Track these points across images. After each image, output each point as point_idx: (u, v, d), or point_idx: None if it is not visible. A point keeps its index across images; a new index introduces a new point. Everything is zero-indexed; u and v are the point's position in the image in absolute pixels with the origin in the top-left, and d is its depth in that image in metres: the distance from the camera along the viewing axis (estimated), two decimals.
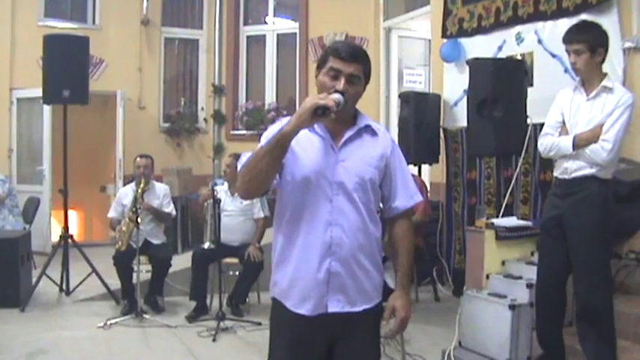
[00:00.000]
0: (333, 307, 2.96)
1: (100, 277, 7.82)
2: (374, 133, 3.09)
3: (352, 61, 2.94)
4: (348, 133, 3.00)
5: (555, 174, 4.92)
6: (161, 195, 7.88)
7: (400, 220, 3.17)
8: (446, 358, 5.64)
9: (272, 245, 3.12)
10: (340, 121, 2.97)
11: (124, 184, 9.32)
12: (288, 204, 2.99)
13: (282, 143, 2.77)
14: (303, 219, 2.96)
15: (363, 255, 3.00)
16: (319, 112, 2.73)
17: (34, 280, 7.88)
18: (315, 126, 2.93)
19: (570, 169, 4.76)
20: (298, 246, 2.97)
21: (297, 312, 2.98)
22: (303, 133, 2.85)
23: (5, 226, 9.05)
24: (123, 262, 7.34)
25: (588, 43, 4.67)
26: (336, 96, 2.83)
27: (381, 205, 3.17)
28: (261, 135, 3.06)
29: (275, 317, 3.13)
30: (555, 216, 4.86)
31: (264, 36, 12.16)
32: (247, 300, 7.61)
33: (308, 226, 2.95)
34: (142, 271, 7.34)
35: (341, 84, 2.91)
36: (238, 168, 2.98)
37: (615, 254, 5.84)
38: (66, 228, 8.08)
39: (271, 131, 2.95)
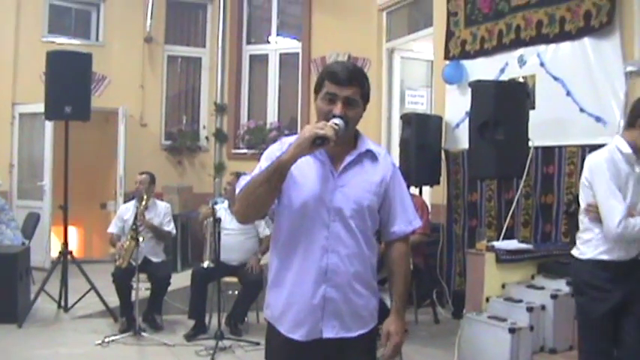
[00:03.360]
0: (328, 333, 2.95)
1: (98, 294, 7.79)
2: (374, 158, 3.06)
3: (348, 85, 2.90)
4: (348, 159, 2.98)
5: (607, 257, 4.26)
6: (162, 213, 7.87)
7: (397, 244, 3.15)
8: None
9: (268, 265, 3.11)
10: (340, 144, 2.92)
11: (125, 202, 9.31)
12: (285, 228, 2.98)
13: (280, 171, 2.76)
14: (299, 244, 2.94)
15: (358, 281, 2.99)
16: (318, 142, 2.72)
17: (32, 295, 7.86)
18: None
19: (636, 249, 4.29)
20: (293, 270, 2.95)
21: (290, 337, 2.96)
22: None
23: (3, 240, 9.00)
24: (122, 280, 7.31)
25: None
26: (337, 121, 2.81)
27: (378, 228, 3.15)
28: (262, 154, 3.05)
29: (269, 339, 3.12)
30: (614, 307, 4.28)
31: (266, 55, 12.16)
32: (246, 319, 7.56)
33: (304, 251, 2.93)
34: (141, 288, 7.30)
35: (338, 109, 2.88)
36: (236, 191, 2.97)
37: None
38: (65, 244, 8.06)
39: (271, 152, 2.95)
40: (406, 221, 3.13)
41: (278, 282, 3.01)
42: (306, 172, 2.91)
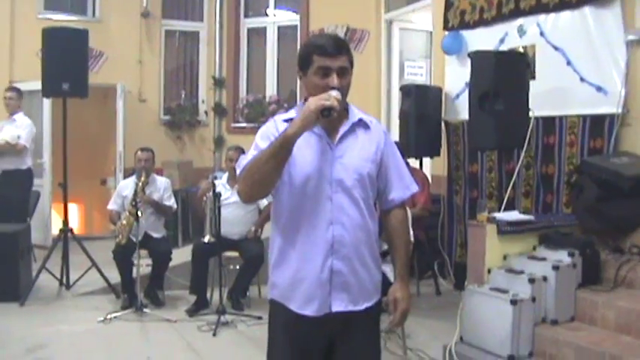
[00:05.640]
0: (337, 307, 2.95)
1: (100, 271, 7.81)
2: (366, 126, 3.07)
3: (338, 54, 2.91)
4: (343, 129, 2.98)
5: None
6: (162, 188, 7.85)
7: (395, 211, 3.16)
8: (447, 352, 5.62)
9: (269, 245, 3.09)
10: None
11: (125, 177, 9.30)
12: (286, 205, 2.97)
13: (286, 146, 2.75)
14: (303, 219, 2.93)
15: (363, 251, 2.99)
16: (325, 114, 2.72)
17: (33, 273, 7.86)
18: None
19: None
20: (298, 247, 2.94)
21: (301, 313, 2.95)
22: None
23: None
24: (123, 256, 7.31)
25: None
26: (335, 93, 2.81)
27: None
28: (261, 127, 3.05)
29: (275, 318, 3.10)
30: None
31: (264, 28, 12.11)
32: (248, 294, 7.59)
33: (308, 225, 2.92)
34: (142, 265, 7.32)
35: (334, 80, 2.88)
36: (237, 172, 2.95)
37: (618, 249, 5.82)
38: (66, 221, 8.05)
39: (266, 131, 2.96)
40: (403, 187, 3.15)
41: (283, 260, 3.00)
42: (303, 146, 2.88)
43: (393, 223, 3.14)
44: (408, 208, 3.40)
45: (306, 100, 3.00)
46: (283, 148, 2.75)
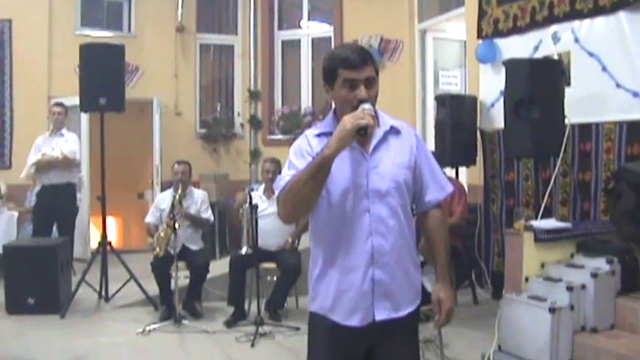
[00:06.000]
0: (381, 315, 2.95)
1: (138, 284, 7.86)
2: (397, 132, 3.05)
3: (364, 64, 2.88)
4: (375, 139, 2.95)
5: None
6: (199, 201, 7.91)
7: (432, 212, 3.16)
8: None
9: (311, 259, 3.08)
10: None
11: (162, 191, 9.37)
12: (325, 219, 2.96)
13: (325, 167, 2.74)
14: (342, 232, 2.93)
15: (403, 257, 2.99)
16: (362, 133, 2.72)
17: (73, 286, 7.95)
18: None
19: None
20: (339, 259, 2.94)
21: (345, 324, 2.95)
22: None
23: None
24: (161, 268, 7.38)
25: None
26: (367, 106, 2.80)
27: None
28: (296, 139, 3.05)
29: (315, 328, 3.10)
30: None
31: (299, 40, 12.16)
32: (285, 305, 7.59)
33: (348, 238, 2.92)
34: (180, 276, 7.36)
35: (362, 91, 2.86)
36: (276, 192, 2.97)
37: None
38: (104, 235, 8.13)
39: (298, 148, 2.96)
40: (439, 188, 3.15)
41: (324, 273, 2.99)
42: (338, 160, 2.84)
43: (431, 224, 3.14)
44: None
45: (335, 112, 3.02)
46: (322, 168, 2.74)
